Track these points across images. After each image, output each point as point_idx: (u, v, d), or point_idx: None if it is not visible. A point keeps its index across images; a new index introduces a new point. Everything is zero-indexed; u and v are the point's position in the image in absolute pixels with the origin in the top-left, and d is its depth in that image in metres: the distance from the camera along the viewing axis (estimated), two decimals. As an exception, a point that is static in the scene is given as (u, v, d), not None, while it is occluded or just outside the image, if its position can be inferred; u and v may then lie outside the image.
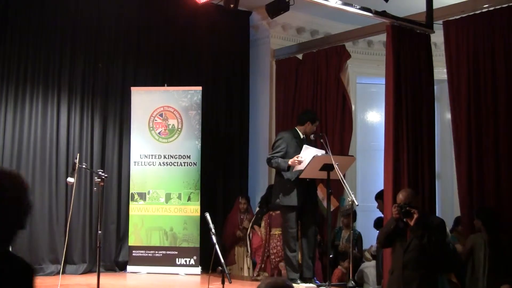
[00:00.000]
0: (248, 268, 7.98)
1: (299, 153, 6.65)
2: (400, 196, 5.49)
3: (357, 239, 7.62)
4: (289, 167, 6.56)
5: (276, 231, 7.25)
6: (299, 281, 6.56)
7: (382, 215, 6.88)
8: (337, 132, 8.15)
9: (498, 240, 5.85)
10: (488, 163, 6.38)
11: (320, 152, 6.44)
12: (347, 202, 6.91)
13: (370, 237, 7.57)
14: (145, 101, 8.07)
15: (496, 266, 5.75)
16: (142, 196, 7.92)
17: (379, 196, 7.06)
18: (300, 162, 6.45)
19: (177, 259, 7.79)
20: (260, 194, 8.67)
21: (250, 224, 7.85)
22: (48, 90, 7.65)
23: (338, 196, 7.63)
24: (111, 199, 8.00)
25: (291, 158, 6.63)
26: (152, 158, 7.98)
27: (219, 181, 8.87)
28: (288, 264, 6.69)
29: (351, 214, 6.84)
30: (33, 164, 7.47)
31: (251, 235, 7.80)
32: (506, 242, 5.91)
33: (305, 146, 6.51)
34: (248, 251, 8.01)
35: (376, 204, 7.17)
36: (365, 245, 7.76)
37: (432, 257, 5.29)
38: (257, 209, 7.95)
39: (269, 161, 6.84)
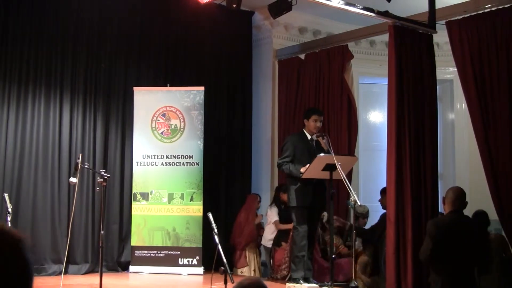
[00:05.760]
0: (259, 269, 8.07)
1: (306, 155, 6.66)
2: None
3: None
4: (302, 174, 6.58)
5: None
6: (301, 281, 6.57)
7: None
8: (344, 133, 8.13)
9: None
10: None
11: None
12: (351, 203, 6.90)
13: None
14: (148, 101, 8.07)
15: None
16: (145, 196, 7.93)
17: (384, 191, 7.07)
18: None
19: (179, 259, 7.78)
20: (262, 194, 8.66)
21: (273, 239, 7.82)
22: (50, 91, 7.66)
23: (345, 199, 7.59)
24: (113, 199, 8.00)
25: (299, 160, 6.65)
26: (154, 158, 7.98)
27: (222, 181, 8.87)
28: (295, 263, 6.70)
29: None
30: (36, 164, 7.47)
31: (273, 251, 7.77)
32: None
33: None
34: (259, 253, 8.13)
35: (379, 197, 7.21)
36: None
37: None
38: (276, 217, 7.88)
39: (279, 166, 6.96)
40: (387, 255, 6.45)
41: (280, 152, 7.09)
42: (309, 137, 6.88)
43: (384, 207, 6.90)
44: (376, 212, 7.47)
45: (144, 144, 8.01)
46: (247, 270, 7.98)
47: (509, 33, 6.33)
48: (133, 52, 8.34)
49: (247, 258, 8.04)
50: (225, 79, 9.08)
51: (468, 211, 6.96)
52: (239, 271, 7.97)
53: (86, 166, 6.31)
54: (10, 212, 5.54)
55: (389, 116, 6.69)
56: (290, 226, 7.29)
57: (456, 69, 6.84)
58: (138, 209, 7.91)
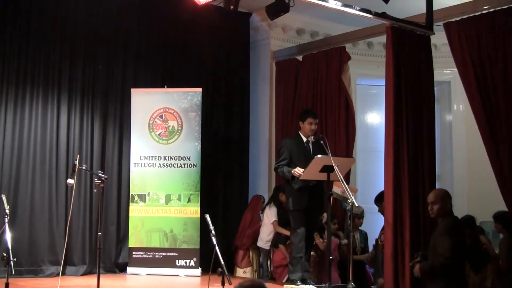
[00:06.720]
0: (260, 269, 8.08)
1: (302, 158, 6.66)
2: (430, 195, 5.46)
3: (365, 239, 7.71)
4: (293, 177, 6.59)
5: None
6: (299, 283, 6.58)
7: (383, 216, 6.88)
8: (341, 135, 8.12)
9: None
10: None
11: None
12: (348, 204, 6.89)
13: (372, 238, 7.61)
14: (145, 103, 8.07)
15: None
16: (142, 197, 7.92)
17: (379, 199, 7.06)
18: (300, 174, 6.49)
19: (177, 260, 7.78)
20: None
21: (272, 241, 7.78)
22: (48, 92, 7.65)
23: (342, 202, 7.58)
24: (111, 200, 7.99)
25: (295, 163, 6.67)
26: (152, 159, 7.98)
27: (219, 182, 8.86)
28: (293, 264, 6.72)
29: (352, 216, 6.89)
30: (33, 166, 7.45)
31: (272, 253, 7.76)
32: None
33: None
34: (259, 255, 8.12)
35: (376, 207, 7.19)
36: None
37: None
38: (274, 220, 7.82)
39: (275, 170, 7.02)
40: (385, 257, 6.44)
41: (277, 154, 7.12)
42: (304, 139, 6.88)
43: (383, 213, 6.87)
44: (373, 214, 7.46)
45: (142, 145, 8.01)
46: (250, 270, 7.98)
47: (507, 34, 6.33)
48: (130, 53, 8.33)
49: (250, 258, 8.04)
50: (222, 80, 9.07)
51: (466, 212, 7.02)
52: (242, 271, 7.96)
53: (84, 168, 6.30)
54: (8, 213, 5.52)
55: (387, 118, 6.69)
56: (287, 232, 7.28)
57: (453, 71, 6.85)
58: (135, 210, 7.90)
